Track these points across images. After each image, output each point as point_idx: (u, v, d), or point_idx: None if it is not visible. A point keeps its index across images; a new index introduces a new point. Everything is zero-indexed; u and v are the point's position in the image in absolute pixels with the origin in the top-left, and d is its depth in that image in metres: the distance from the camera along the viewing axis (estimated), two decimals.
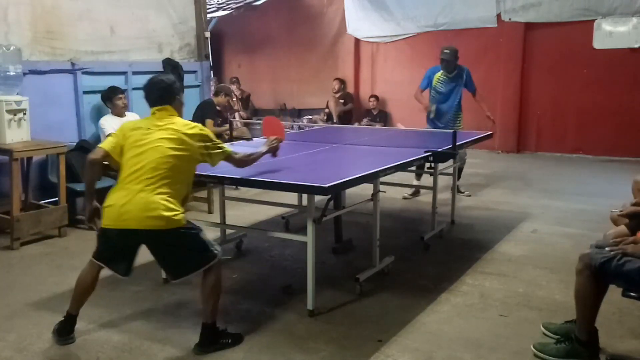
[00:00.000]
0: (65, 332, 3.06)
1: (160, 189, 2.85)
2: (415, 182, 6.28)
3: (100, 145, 3.08)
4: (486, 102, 6.45)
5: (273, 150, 3.67)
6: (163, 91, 3.10)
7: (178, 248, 2.95)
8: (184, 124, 3.03)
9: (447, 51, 6.08)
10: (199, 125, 3.09)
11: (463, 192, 6.37)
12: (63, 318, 3.07)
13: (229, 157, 3.18)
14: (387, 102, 10.78)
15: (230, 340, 3.02)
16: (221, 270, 3.02)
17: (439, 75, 6.17)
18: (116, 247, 3.01)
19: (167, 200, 2.85)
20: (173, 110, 3.09)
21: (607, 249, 2.63)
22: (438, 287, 3.77)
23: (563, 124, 9.21)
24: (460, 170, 6.16)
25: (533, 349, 2.87)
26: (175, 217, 2.85)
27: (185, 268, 2.96)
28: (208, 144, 3.05)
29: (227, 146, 3.20)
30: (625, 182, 3.56)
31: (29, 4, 5.35)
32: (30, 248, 4.68)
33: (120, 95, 5.70)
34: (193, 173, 3.09)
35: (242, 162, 3.30)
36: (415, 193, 6.35)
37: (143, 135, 2.97)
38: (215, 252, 2.97)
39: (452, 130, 4.37)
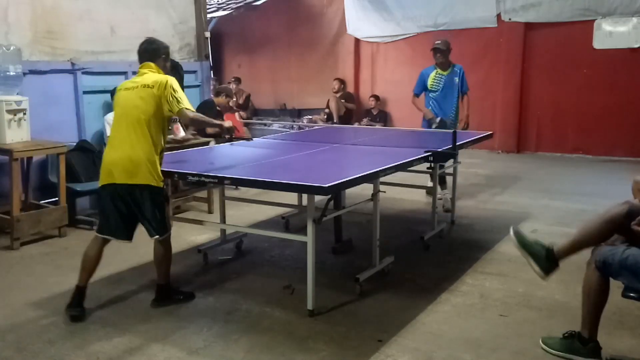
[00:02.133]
0: (75, 303, 3.33)
1: (140, 145, 3.20)
2: (429, 184, 6.00)
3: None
4: (469, 107, 6.18)
5: (224, 130, 3.77)
6: (147, 45, 3.44)
7: (157, 205, 3.31)
8: (153, 77, 3.30)
9: (439, 41, 6.02)
10: (168, 77, 3.32)
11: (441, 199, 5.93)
12: (74, 292, 3.37)
13: (184, 111, 3.29)
14: (387, 102, 10.79)
15: (182, 297, 3.56)
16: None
17: (433, 75, 6.06)
18: (112, 209, 3.32)
19: (147, 159, 3.21)
20: (154, 67, 3.39)
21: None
22: (438, 287, 3.77)
23: (563, 124, 9.21)
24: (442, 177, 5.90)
25: (541, 342, 2.88)
26: (155, 176, 3.24)
27: (164, 225, 3.37)
28: (170, 91, 3.24)
29: (187, 104, 3.32)
30: (625, 182, 3.56)
31: (29, 4, 5.35)
32: (30, 248, 4.68)
33: None
34: (165, 122, 3.36)
35: (195, 120, 3.45)
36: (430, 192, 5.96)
37: (124, 95, 3.32)
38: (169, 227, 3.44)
39: (452, 130, 4.38)
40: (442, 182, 5.90)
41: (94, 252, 3.36)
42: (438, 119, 5.99)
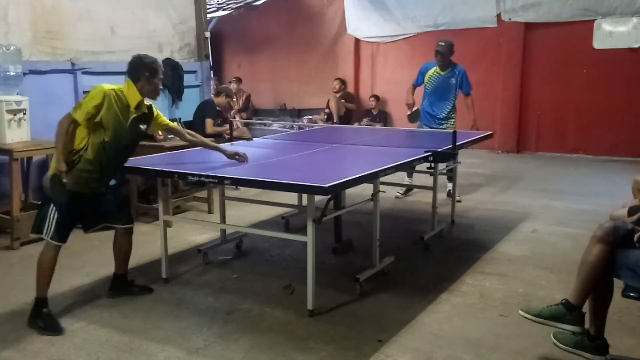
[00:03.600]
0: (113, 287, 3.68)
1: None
2: (407, 181, 6.23)
3: None
4: (475, 111, 6.14)
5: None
6: (130, 65, 3.37)
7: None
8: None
9: (442, 43, 6.00)
10: (98, 86, 3.25)
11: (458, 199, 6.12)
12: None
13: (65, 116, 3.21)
14: (387, 102, 10.78)
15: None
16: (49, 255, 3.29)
17: (431, 72, 6.07)
18: None
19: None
20: (131, 87, 3.31)
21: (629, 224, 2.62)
22: (438, 287, 3.77)
23: (563, 124, 9.21)
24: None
25: (552, 337, 2.85)
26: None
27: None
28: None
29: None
30: (625, 182, 3.57)
31: (29, 4, 5.35)
32: (30, 248, 4.67)
33: None
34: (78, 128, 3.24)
35: (58, 125, 3.26)
36: (407, 192, 6.31)
37: None
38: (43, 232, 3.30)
39: (452, 130, 4.38)
40: (449, 178, 5.92)
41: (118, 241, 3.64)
42: (414, 109, 6.07)
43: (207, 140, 3.97)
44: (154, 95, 3.43)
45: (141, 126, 3.41)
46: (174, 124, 3.93)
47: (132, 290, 3.66)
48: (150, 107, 3.48)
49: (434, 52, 6.06)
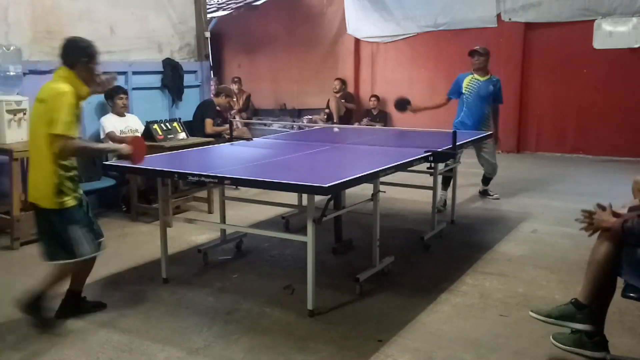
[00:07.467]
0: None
1: (41, 167, 3.02)
2: (440, 194, 5.75)
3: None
4: (497, 122, 6.16)
5: (121, 154, 3.41)
6: (67, 49, 3.03)
7: (52, 229, 3.07)
8: (49, 90, 2.96)
9: (479, 47, 5.97)
10: (61, 90, 2.94)
11: (492, 195, 6.33)
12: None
13: (65, 140, 2.94)
14: (387, 102, 10.78)
15: (92, 305, 3.39)
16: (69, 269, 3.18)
17: (468, 79, 5.98)
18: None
19: (46, 179, 3.00)
20: (68, 73, 3.00)
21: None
22: (438, 287, 3.77)
23: (563, 124, 9.21)
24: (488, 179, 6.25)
25: (551, 338, 2.85)
26: (54, 199, 3.01)
27: (49, 253, 3.12)
28: (53, 114, 2.90)
29: (72, 130, 2.97)
30: (625, 182, 3.56)
31: (29, 4, 5.35)
32: (30, 248, 4.67)
33: (122, 95, 5.84)
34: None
35: (79, 152, 3.19)
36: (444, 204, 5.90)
37: (34, 107, 3.07)
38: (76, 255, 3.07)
39: (452, 130, 4.37)
40: (446, 183, 5.86)
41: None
42: (406, 99, 6.01)
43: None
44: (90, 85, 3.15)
45: None
46: None
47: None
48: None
49: (470, 55, 5.96)
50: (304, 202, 4.21)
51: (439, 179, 5.33)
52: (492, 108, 6.08)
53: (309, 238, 3.24)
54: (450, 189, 5.62)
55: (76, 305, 3.36)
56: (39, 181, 3.05)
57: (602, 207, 2.69)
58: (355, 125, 9.73)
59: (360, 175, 3.35)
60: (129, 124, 5.87)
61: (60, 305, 3.31)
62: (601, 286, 2.69)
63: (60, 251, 3.08)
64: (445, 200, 5.83)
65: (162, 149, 5.25)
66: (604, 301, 2.74)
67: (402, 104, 6.00)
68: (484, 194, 6.39)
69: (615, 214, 2.64)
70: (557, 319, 2.75)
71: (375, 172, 3.51)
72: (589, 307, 2.70)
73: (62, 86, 2.98)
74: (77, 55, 3.05)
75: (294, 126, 9.99)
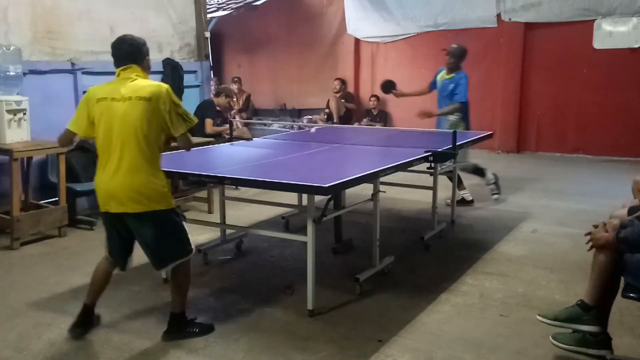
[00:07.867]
0: (79, 322, 3.09)
1: (138, 167, 2.81)
2: (459, 194, 5.88)
3: (68, 126, 3.00)
4: (442, 111, 5.93)
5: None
6: (133, 47, 2.98)
7: (161, 232, 2.93)
8: (148, 85, 2.88)
9: (455, 45, 6.01)
10: (164, 86, 2.91)
11: (492, 186, 6.14)
12: (80, 310, 3.12)
13: (186, 134, 2.94)
14: (387, 102, 10.78)
15: (197, 330, 3.11)
16: (189, 266, 3.09)
17: (440, 75, 6.08)
18: (111, 233, 3.04)
19: (148, 180, 2.83)
20: (140, 71, 2.98)
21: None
22: (438, 287, 3.77)
23: (563, 124, 9.21)
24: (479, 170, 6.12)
25: (551, 338, 2.85)
26: (161, 198, 2.87)
27: (168, 256, 2.99)
28: (173, 108, 2.86)
29: (192, 120, 2.96)
30: (625, 182, 3.57)
31: (29, 4, 5.34)
32: (30, 248, 4.68)
33: None
34: (163, 138, 2.93)
35: (188, 144, 3.04)
36: (465, 202, 5.96)
37: (108, 108, 2.86)
38: (191, 249, 3.02)
39: (452, 130, 4.38)
40: (460, 182, 5.89)
41: (101, 271, 3.11)
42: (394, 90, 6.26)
43: None
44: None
45: None
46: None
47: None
48: None
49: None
50: (304, 202, 4.21)
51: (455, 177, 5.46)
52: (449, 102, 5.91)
53: (309, 238, 3.24)
54: (450, 189, 5.62)
55: (180, 325, 3.11)
56: (145, 184, 2.82)
57: (596, 227, 2.73)
58: (355, 125, 9.73)
59: (360, 175, 3.35)
60: None
61: (165, 332, 3.09)
62: (605, 286, 2.69)
63: (179, 249, 2.98)
64: (469, 197, 6.00)
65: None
66: (608, 300, 2.74)
67: (388, 87, 6.25)
68: (494, 184, 6.11)
69: (606, 229, 2.66)
70: (564, 321, 2.76)
71: (375, 172, 3.52)
72: (596, 308, 2.70)
73: (159, 83, 2.95)
74: (143, 52, 3.04)
75: (294, 126, 10.00)
